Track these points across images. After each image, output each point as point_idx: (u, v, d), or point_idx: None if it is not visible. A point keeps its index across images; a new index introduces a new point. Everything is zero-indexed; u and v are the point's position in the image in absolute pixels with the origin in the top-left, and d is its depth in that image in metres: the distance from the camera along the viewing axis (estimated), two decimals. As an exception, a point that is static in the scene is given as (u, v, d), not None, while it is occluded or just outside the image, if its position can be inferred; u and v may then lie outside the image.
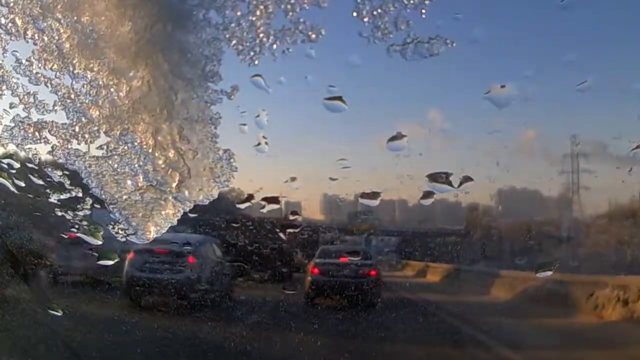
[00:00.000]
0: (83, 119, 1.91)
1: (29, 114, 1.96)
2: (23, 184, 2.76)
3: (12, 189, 2.70)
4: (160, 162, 1.95)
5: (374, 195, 3.84)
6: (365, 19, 1.81)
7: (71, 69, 1.86)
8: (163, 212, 2.05)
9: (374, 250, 17.11)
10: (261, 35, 1.83)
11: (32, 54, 1.86)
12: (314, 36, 1.85)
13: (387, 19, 1.82)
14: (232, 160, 2.00)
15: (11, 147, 2.11)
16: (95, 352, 6.10)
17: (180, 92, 1.88)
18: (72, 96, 1.90)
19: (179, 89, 1.87)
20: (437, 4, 1.82)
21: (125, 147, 1.95)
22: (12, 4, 1.83)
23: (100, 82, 1.87)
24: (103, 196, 2.01)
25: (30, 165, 2.45)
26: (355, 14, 1.81)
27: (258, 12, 1.80)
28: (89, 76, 1.87)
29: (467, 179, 2.76)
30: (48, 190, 2.42)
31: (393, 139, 2.77)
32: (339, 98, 2.54)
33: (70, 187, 2.30)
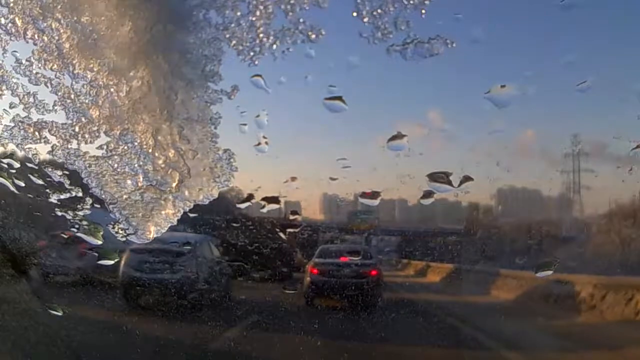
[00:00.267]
0: (83, 119, 1.91)
1: (28, 114, 1.96)
2: (23, 184, 2.76)
3: (12, 188, 2.71)
4: (160, 162, 1.95)
5: (374, 195, 3.84)
6: (365, 19, 1.81)
7: (71, 69, 1.86)
8: (163, 212, 2.05)
9: (374, 249, 17.00)
10: (261, 35, 1.84)
11: (32, 54, 1.86)
12: (314, 36, 1.85)
13: (387, 19, 1.82)
14: (232, 160, 2.00)
15: (11, 147, 2.12)
16: (91, 352, 6.10)
17: (180, 92, 1.88)
18: (72, 96, 1.90)
19: (179, 89, 1.87)
20: (437, 4, 1.82)
21: (125, 147, 1.95)
22: (12, 4, 1.83)
23: (100, 82, 1.87)
24: (103, 196, 2.01)
25: (30, 165, 2.45)
26: (355, 14, 1.81)
27: (258, 13, 1.80)
28: (89, 76, 1.87)
29: (467, 178, 2.76)
30: (48, 190, 2.43)
31: (393, 138, 2.77)
32: (339, 98, 2.54)
33: (70, 187, 2.30)
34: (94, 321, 7.60)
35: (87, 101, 1.90)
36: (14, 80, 1.93)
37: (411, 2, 1.79)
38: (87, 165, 1.95)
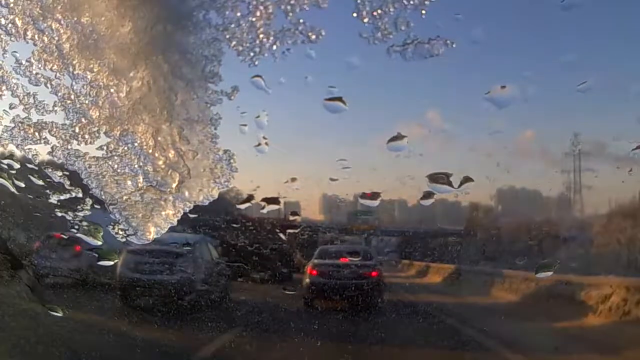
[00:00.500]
0: (83, 120, 1.91)
1: (29, 115, 1.95)
2: (23, 185, 2.76)
3: (12, 189, 2.70)
4: (160, 162, 1.95)
5: (374, 195, 3.83)
6: (366, 20, 1.81)
7: (71, 69, 1.86)
8: (163, 213, 2.05)
9: (374, 250, 16.89)
10: (261, 36, 1.83)
11: (32, 54, 1.86)
12: (314, 37, 1.85)
13: (387, 19, 1.81)
14: (232, 160, 2.00)
15: (11, 148, 2.11)
16: (91, 353, 6.10)
17: (181, 92, 1.88)
18: (72, 97, 1.90)
19: (179, 89, 1.87)
20: (437, 5, 1.82)
21: (125, 148, 1.95)
22: (12, 5, 1.83)
23: (100, 83, 1.87)
24: (103, 197, 2.01)
25: (30, 165, 2.45)
26: (355, 14, 1.81)
27: (258, 13, 1.80)
28: (89, 77, 1.87)
29: (467, 179, 2.75)
30: (48, 191, 2.42)
31: (393, 139, 2.77)
32: (339, 99, 2.54)
33: (70, 188, 2.29)
34: (91, 322, 7.58)
35: (87, 102, 1.90)
36: (14, 81, 1.93)
37: (411, 2, 1.79)
38: (87, 166, 1.95)
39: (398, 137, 2.76)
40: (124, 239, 2.10)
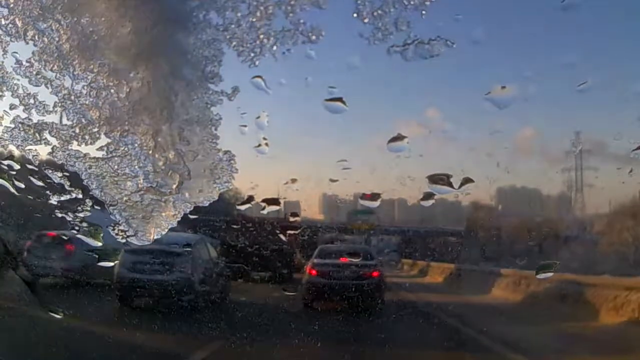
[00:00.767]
0: (83, 120, 1.91)
1: (29, 115, 1.95)
2: (23, 186, 2.76)
3: (13, 190, 2.70)
4: (161, 163, 1.95)
5: (374, 196, 3.82)
6: (366, 20, 1.81)
7: (71, 70, 1.86)
8: (163, 214, 2.05)
9: (375, 249, 16.80)
10: (261, 36, 1.83)
11: (32, 55, 1.86)
12: (314, 37, 1.85)
13: (387, 19, 1.81)
14: (232, 161, 2.00)
15: (11, 149, 2.11)
16: (91, 353, 6.10)
17: (181, 93, 1.88)
18: (73, 97, 1.90)
19: (179, 90, 1.87)
20: (438, 5, 1.82)
21: (126, 149, 1.94)
22: (12, 5, 1.82)
23: (101, 84, 1.87)
24: (103, 198, 2.01)
25: (30, 166, 2.45)
26: (355, 15, 1.81)
27: (258, 13, 1.80)
28: (89, 77, 1.87)
29: (467, 180, 2.75)
30: (48, 192, 2.42)
31: (393, 140, 2.76)
32: (340, 99, 2.54)
33: (70, 189, 2.29)
34: (90, 322, 7.58)
35: (87, 102, 1.89)
36: (15, 82, 1.93)
37: (411, 2, 1.79)
38: (87, 167, 1.95)
39: (398, 138, 2.76)
40: (124, 240, 2.10)
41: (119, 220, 2.03)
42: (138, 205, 2.01)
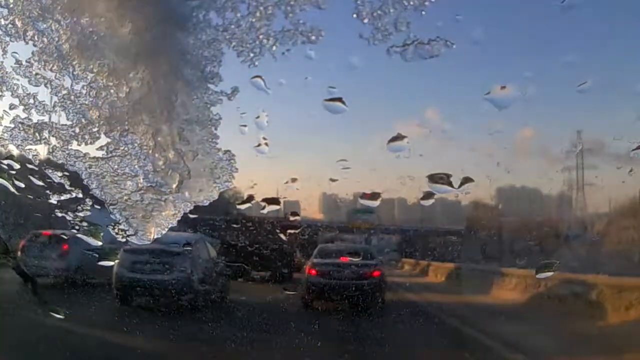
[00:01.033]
0: (83, 120, 1.91)
1: (29, 115, 1.96)
2: (23, 185, 2.76)
3: (13, 189, 2.70)
4: (161, 163, 1.95)
5: (374, 196, 3.82)
6: (366, 21, 1.81)
7: (71, 70, 1.86)
8: (163, 213, 2.05)
9: (375, 249, 16.72)
10: (261, 36, 1.84)
11: (32, 55, 1.86)
12: (314, 37, 1.85)
13: (387, 20, 1.81)
14: (232, 161, 2.00)
15: (11, 148, 2.11)
16: (91, 353, 6.10)
17: (180, 93, 1.88)
18: (72, 97, 1.90)
19: (179, 90, 1.87)
20: (437, 5, 1.82)
21: (126, 148, 1.95)
22: (12, 6, 1.83)
23: (100, 83, 1.87)
24: (103, 197, 2.01)
25: (30, 166, 2.45)
26: (355, 15, 1.81)
27: (258, 14, 1.80)
28: (88, 77, 1.87)
29: (467, 179, 2.75)
30: (48, 191, 2.42)
31: (393, 139, 2.76)
32: (339, 99, 2.54)
33: (70, 188, 2.29)
34: (89, 322, 7.57)
35: (87, 102, 1.90)
36: (14, 82, 1.93)
37: (411, 3, 1.79)
38: (87, 167, 1.96)
39: (398, 138, 2.76)
40: (124, 239, 2.10)
41: (119, 220, 2.04)
42: (138, 204, 2.01)
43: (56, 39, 1.83)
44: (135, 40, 1.79)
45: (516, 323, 9.87)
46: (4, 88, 1.94)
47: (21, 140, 1.97)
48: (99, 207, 2.15)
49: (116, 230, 2.08)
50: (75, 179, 2.10)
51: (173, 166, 1.96)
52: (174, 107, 1.88)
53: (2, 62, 1.92)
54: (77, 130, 1.92)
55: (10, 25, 1.83)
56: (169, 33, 1.80)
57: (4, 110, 2.00)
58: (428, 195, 2.99)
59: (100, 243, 2.43)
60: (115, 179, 1.99)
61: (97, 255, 3.68)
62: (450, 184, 2.63)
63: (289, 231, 9.43)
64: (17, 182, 2.74)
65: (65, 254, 10.59)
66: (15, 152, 2.19)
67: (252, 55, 1.86)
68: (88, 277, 10.08)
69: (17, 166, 2.71)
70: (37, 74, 1.89)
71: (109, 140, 1.94)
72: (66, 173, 2.14)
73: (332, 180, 6.23)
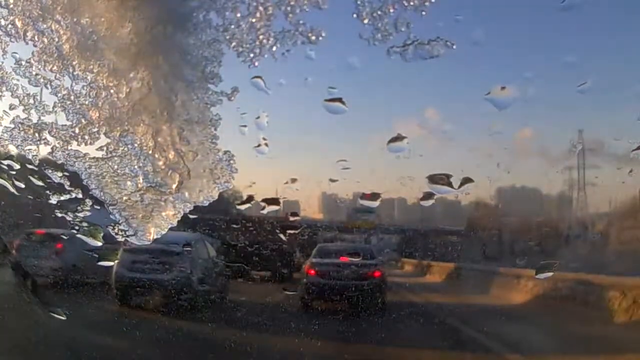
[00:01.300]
0: (83, 121, 1.91)
1: (28, 116, 1.96)
2: (23, 185, 2.76)
3: (12, 190, 2.70)
4: (160, 163, 1.95)
5: (373, 196, 3.83)
6: (366, 21, 1.81)
7: (71, 70, 1.86)
8: (163, 214, 2.05)
9: (375, 249, 16.67)
10: (261, 37, 1.83)
11: (31, 55, 1.86)
12: (314, 38, 1.85)
13: (387, 20, 1.81)
14: (232, 161, 2.00)
15: (11, 149, 2.11)
16: (91, 353, 6.10)
17: (180, 93, 1.88)
18: (72, 97, 1.90)
19: (179, 90, 1.87)
20: (438, 6, 1.82)
21: (125, 149, 1.95)
22: (11, 6, 1.83)
23: (100, 84, 1.87)
24: (103, 197, 2.01)
25: (30, 166, 2.45)
26: (355, 15, 1.81)
27: (258, 14, 1.80)
28: (88, 78, 1.87)
29: (467, 180, 2.75)
30: (48, 192, 2.42)
31: (393, 140, 2.77)
32: (339, 100, 2.54)
33: (70, 189, 2.29)
34: (88, 322, 7.58)
35: (87, 102, 1.90)
36: (14, 82, 1.93)
37: (411, 3, 1.79)
38: (87, 167, 1.95)
39: (398, 138, 2.76)
40: (123, 239, 2.10)
41: (119, 220, 2.04)
42: (138, 204, 2.01)
43: (56, 39, 1.83)
44: (135, 41, 1.79)
45: (516, 323, 9.87)
46: (4, 88, 1.94)
47: (21, 140, 1.97)
48: (98, 207, 2.15)
49: (116, 231, 2.08)
50: (75, 179, 2.10)
51: (173, 166, 1.96)
52: (174, 107, 1.88)
53: (2, 62, 1.92)
54: (77, 130, 1.92)
55: (10, 26, 1.83)
56: (169, 33, 1.80)
57: (4, 111, 2.00)
58: (428, 195, 2.99)
59: (100, 243, 2.43)
60: (115, 179, 1.99)
61: (96, 256, 3.67)
62: (450, 185, 2.64)
63: (288, 231, 9.42)
64: (17, 182, 2.74)
65: (59, 253, 10.54)
66: (15, 152, 2.19)
67: (252, 55, 1.86)
68: (85, 277, 10.04)
69: (17, 166, 2.71)
70: (37, 74, 1.89)
71: (109, 140, 1.94)
72: (66, 173, 2.14)
73: (332, 180, 6.24)
